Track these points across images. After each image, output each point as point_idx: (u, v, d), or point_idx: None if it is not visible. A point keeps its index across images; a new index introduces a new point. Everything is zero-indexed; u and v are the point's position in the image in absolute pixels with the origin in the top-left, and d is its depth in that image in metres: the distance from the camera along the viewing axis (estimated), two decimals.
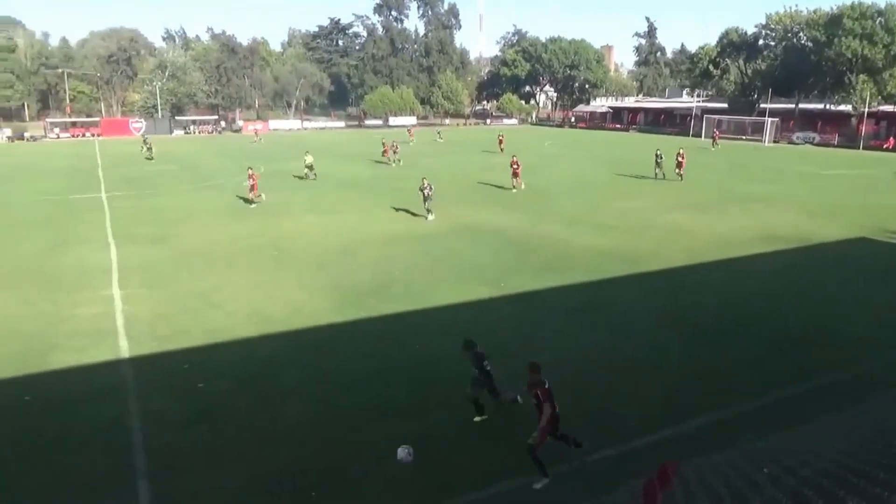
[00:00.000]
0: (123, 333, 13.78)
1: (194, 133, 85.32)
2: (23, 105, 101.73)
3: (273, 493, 8.42)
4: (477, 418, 10.09)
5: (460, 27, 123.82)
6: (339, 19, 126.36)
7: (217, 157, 52.61)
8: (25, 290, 16.76)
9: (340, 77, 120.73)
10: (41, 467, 9.01)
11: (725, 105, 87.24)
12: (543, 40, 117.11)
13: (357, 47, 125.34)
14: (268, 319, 14.58)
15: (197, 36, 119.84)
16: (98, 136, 78.28)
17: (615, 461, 9.02)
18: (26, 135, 77.00)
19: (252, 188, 28.72)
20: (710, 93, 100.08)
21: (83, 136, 78.99)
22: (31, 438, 9.76)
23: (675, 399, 10.89)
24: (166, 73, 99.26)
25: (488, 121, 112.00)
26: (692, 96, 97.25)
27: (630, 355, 12.76)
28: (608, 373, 11.94)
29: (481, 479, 8.62)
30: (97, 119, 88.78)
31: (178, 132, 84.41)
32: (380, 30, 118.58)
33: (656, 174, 36.82)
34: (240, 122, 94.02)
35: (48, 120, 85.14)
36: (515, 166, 32.38)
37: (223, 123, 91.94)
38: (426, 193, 25.00)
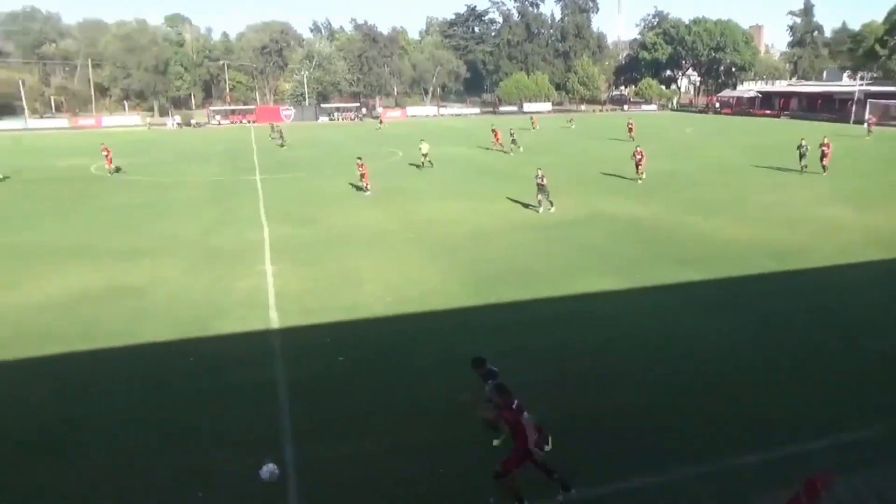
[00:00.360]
0: (274, 306, 14.92)
1: (338, 120, 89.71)
2: (190, 94, 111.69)
3: (404, 468, 8.82)
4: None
5: (598, 10, 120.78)
6: (475, 6, 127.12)
7: (357, 142, 54.93)
8: (193, 263, 18.60)
9: (476, 63, 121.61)
10: (201, 420, 10.03)
11: (895, 88, 78.50)
12: (686, 21, 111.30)
13: (493, 33, 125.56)
14: (404, 299, 15.19)
15: (341, 27, 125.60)
16: (253, 122, 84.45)
17: (758, 468, 8.56)
18: (192, 121, 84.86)
19: (362, 177, 29.57)
20: (875, 75, 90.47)
21: (240, 122, 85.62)
22: (192, 395, 10.87)
23: (828, 407, 10.12)
24: (313, 63, 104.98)
25: (625, 107, 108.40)
26: (854, 79, 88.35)
27: (777, 356, 11.99)
28: (753, 373, 11.29)
29: (609, 473, 8.53)
30: (252, 107, 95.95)
31: (323, 119, 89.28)
32: (515, 15, 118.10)
33: (802, 166, 33.74)
34: (379, 109, 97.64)
35: (211, 108, 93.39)
36: (639, 156, 31.16)
37: (364, 110, 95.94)
38: (540, 185, 24.37)
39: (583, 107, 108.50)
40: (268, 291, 15.97)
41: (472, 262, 18.18)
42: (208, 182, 34.22)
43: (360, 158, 30.51)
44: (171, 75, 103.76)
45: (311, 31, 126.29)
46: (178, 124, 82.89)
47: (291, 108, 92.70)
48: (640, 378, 11.19)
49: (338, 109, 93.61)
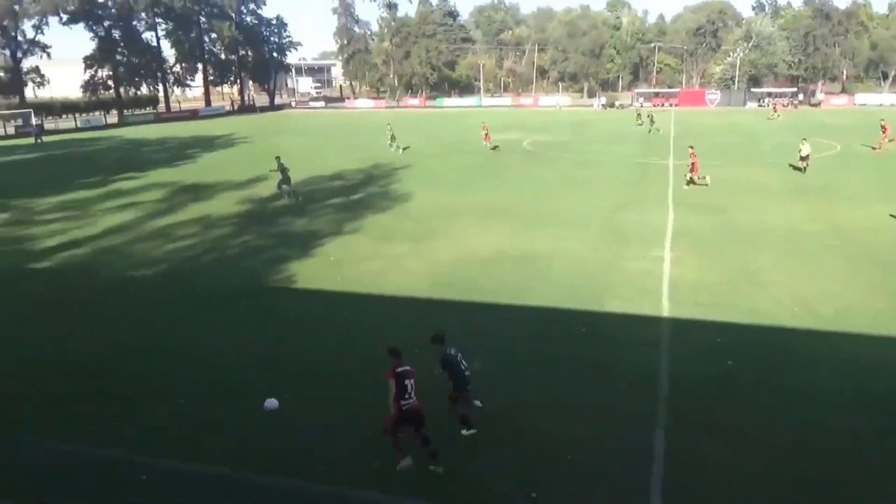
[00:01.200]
0: (666, 294, 14.83)
1: (767, 106, 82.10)
2: (618, 77, 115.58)
3: (779, 489, 8.09)
4: (464, 431, 9.26)
5: None
6: None
7: (785, 132, 49.58)
8: (595, 239, 19.63)
9: None
10: (583, 393, 10.69)
11: None
12: None
13: None
14: (812, 313, 13.51)
15: (788, 2, 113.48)
16: (675, 105, 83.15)
17: None
18: (616, 103, 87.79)
19: (692, 168, 26.87)
20: None
21: (662, 105, 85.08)
22: (579, 366, 11.56)
23: None
24: (749, 44, 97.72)
25: None
26: None
27: None
28: None
29: None
30: (677, 90, 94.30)
31: (751, 104, 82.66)
32: None
33: None
34: (820, 96, 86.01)
35: (636, 90, 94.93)
36: None
37: (801, 96, 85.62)
38: None
39: None
40: (662, 278, 15.93)
41: None
42: (623, 162, 35.22)
43: (692, 147, 28.05)
44: (604, 58, 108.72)
45: (754, 9, 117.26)
46: (603, 105, 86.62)
47: (717, 91, 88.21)
48: None
49: (769, 94, 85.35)
